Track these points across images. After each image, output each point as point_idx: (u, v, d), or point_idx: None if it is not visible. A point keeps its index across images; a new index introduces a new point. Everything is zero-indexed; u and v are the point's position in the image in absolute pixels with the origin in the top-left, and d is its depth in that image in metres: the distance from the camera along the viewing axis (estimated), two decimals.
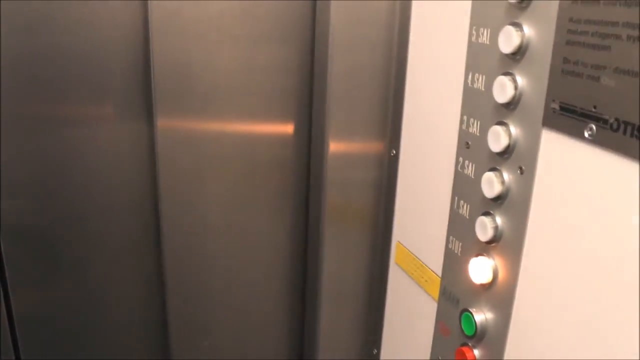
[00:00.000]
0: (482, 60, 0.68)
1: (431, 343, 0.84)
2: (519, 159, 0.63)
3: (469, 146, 0.72)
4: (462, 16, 0.70)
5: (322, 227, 0.97)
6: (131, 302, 1.01)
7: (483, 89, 0.68)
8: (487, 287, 0.70)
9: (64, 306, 0.97)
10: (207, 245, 1.01)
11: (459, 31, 0.72)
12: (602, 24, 0.51)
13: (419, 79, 0.85)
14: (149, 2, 0.84)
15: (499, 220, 0.67)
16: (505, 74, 0.63)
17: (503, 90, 0.63)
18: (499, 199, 0.66)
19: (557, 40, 0.56)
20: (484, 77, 0.68)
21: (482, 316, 0.71)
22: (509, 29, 0.61)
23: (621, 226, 0.51)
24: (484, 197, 0.68)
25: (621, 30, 0.49)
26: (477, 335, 0.71)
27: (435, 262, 0.82)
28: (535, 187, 0.61)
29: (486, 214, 0.68)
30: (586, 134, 0.53)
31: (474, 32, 0.69)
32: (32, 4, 0.81)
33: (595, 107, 0.52)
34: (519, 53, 0.61)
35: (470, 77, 0.70)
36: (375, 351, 1.04)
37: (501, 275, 0.67)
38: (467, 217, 0.73)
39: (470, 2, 0.69)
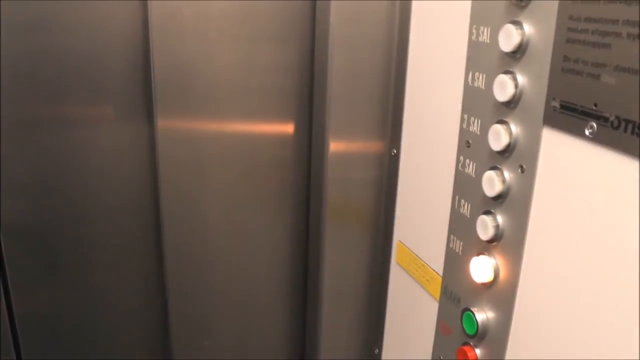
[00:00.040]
0: (483, 59, 0.68)
1: (432, 342, 0.84)
2: (519, 157, 0.63)
3: (470, 145, 0.71)
4: (462, 15, 0.70)
5: (322, 226, 0.97)
6: (132, 302, 1.01)
7: (483, 88, 0.68)
8: (489, 286, 0.70)
9: (64, 306, 0.97)
10: (207, 245, 1.01)
11: (459, 30, 0.72)
12: (602, 22, 0.51)
13: (420, 78, 0.85)
14: (148, 2, 0.84)
15: (499, 219, 0.67)
16: (506, 72, 0.63)
17: (503, 88, 0.63)
18: (499, 198, 0.66)
19: (557, 38, 0.56)
20: (484, 75, 0.68)
21: (483, 315, 0.71)
22: (509, 27, 0.61)
23: (622, 224, 0.51)
24: (484, 196, 0.68)
25: (621, 28, 0.49)
26: (479, 335, 0.71)
27: (436, 261, 0.82)
28: (536, 186, 0.61)
29: (487, 212, 0.68)
30: (587, 132, 0.53)
31: (474, 30, 0.69)
32: (32, 5, 0.81)
33: (595, 105, 0.52)
34: (519, 51, 0.61)
35: (470, 75, 0.70)
36: (376, 351, 1.04)
37: (502, 274, 0.67)
38: (468, 216, 0.73)
39: (470, 1, 0.69)
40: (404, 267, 0.92)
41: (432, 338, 0.84)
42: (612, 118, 0.50)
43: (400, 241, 0.93)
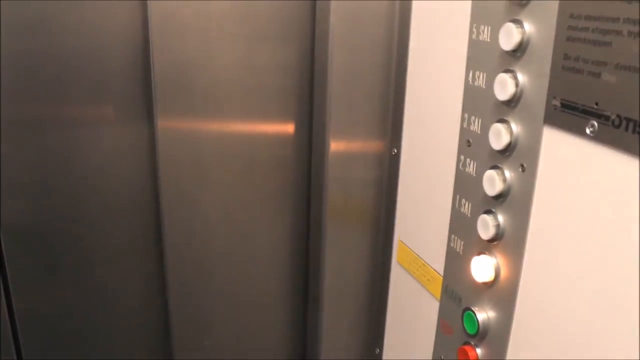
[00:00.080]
0: (483, 58, 0.67)
1: (433, 342, 0.84)
2: (520, 156, 0.63)
3: (470, 144, 0.71)
4: (463, 14, 0.70)
5: (323, 226, 0.97)
6: (132, 302, 1.01)
7: (484, 87, 0.68)
8: (489, 285, 0.69)
9: (65, 306, 0.97)
10: (208, 245, 1.00)
11: (459, 29, 0.71)
12: (603, 20, 0.51)
13: (420, 77, 0.85)
14: (148, 2, 0.84)
15: (500, 218, 0.67)
16: (506, 71, 0.63)
17: (504, 87, 0.63)
18: (500, 197, 0.66)
19: (557, 36, 0.56)
20: (484, 74, 0.67)
21: (484, 315, 0.71)
22: (510, 26, 0.61)
23: (623, 223, 0.51)
24: (485, 195, 0.68)
25: (622, 26, 0.49)
26: (480, 334, 0.71)
27: (437, 260, 0.82)
28: (537, 185, 0.61)
29: (488, 212, 0.68)
30: (588, 131, 0.53)
31: (474, 29, 0.69)
32: (32, 4, 0.81)
33: (596, 104, 0.52)
34: (520, 50, 0.61)
35: (471, 74, 0.70)
36: (377, 350, 1.04)
37: (503, 273, 0.67)
38: (469, 215, 0.73)
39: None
40: (405, 266, 0.92)
41: (433, 338, 0.84)
42: (613, 117, 0.50)
43: (401, 241, 0.93)
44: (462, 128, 0.73)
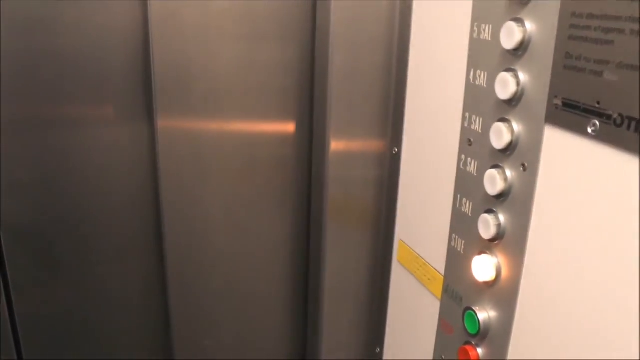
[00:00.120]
0: (484, 57, 0.67)
1: (434, 342, 0.84)
2: (521, 155, 0.63)
3: (471, 143, 0.71)
4: (464, 13, 0.70)
5: (324, 225, 0.97)
6: (133, 301, 1.01)
7: (485, 86, 0.68)
8: (491, 285, 0.69)
9: (65, 306, 0.97)
10: (208, 245, 1.00)
11: (460, 28, 0.71)
12: (605, 19, 0.51)
13: (421, 76, 0.85)
14: (148, 1, 0.84)
15: (501, 217, 0.67)
16: (507, 70, 0.63)
17: (505, 86, 0.62)
18: (501, 197, 0.66)
19: (559, 35, 0.56)
20: (485, 73, 0.67)
21: (485, 314, 0.70)
22: (511, 24, 0.61)
23: (625, 222, 0.51)
24: (486, 195, 0.68)
25: (624, 24, 0.49)
26: (481, 334, 0.71)
27: (437, 260, 0.82)
28: (538, 184, 0.61)
29: (489, 211, 0.68)
30: (589, 130, 0.53)
31: (475, 28, 0.68)
32: (32, 5, 0.81)
33: (598, 103, 0.52)
34: (521, 49, 0.61)
35: (472, 73, 0.70)
36: (377, 350, 1.04)
37: (504, 273, 0.67)
38: (470, 214, 0.73)
39: None
40: (406, 266, 0.92)
41: (434, 337, 0.84)
42: (615, 116, 0.50)
43: (401, 240, 0.93)
44: (463, 127, 0.73)
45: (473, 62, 0.70)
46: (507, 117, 0.64)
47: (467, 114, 0.72)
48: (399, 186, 0.93)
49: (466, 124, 0.72)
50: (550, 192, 0.60)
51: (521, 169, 0.63)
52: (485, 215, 0.68)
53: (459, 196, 0.75)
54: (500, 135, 0.64)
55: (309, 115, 0.97)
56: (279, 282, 1.07)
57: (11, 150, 0.85)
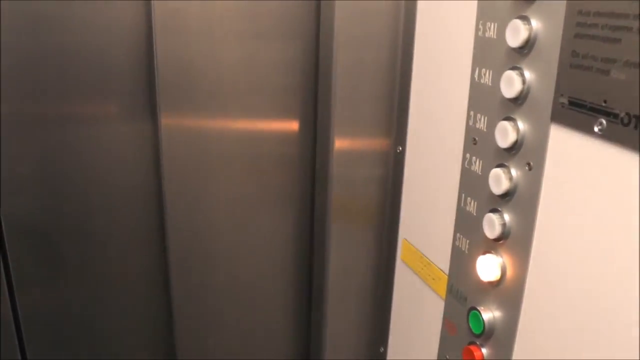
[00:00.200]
0: (489, 55, 0.67)
1: (438, 341, 0.83)
2: (527, 154, 0.62)
3: (476, 142, 0.71)
4: (469, 10, 0.70)
5: (327, 224, 0.97)
6: (136, 300, 1.01)
7: (490, 84, 0.67)
8: (495, 285, 0.69)
9: (69, 305, 0.97)
10: (212, 244, 1.00)
11: (465, 25, 0.71)
12: (612, 16, 0.50)
13: (425, 75, 0.84)
14: (152, 0, 0.84)
15: (506, 217, 0.66)
16: (513, 68, 0.62)
17: (510, 85, 0.62)
18: (506, 196, 0.66)
19: (565, 33, 0.56)
20: (491, 72, 0.67)
21: (490, 314, 0.70)
22: (517, 22, 0.60)
23: (631, 222, 0.50)
24: (491, 194, 0.67)
25: (631, 22, 0.48)
26: (485, 334, 0.70)
27: (442, 259, 0.81)
28: (543, 184, 0.61)
29: (494, 210, 0.68)
30: (596, 129, 0.52)
31: (480, 26, 0.68)
32: (36, 3, 0.81)
33: (605, 102, 0.51)
34: (527, 47, 0.60)
35: (477, 72, 0.69)
36: (381, 349, 1.04)
37: (509, 273, 0.67)
38: (475, 214, 0.72)
39: None
40: (410, 265, 0.92)
41: (438, 337, 0.83)
42: (622, 114, 0.50)
43: (405, 239, 0.93)
44: (467, 126, 0.72)
45: (478, 60, 0.69)
46: (512, 116, 0.64)
47: (472, 113, 0.71)
48: (403, 185, 0.92)
49: (471, 123, 0.71)
50: (556, 191, 0.59)
51: (526, 168, 0.62)
52: (490, 215, 0.67)
53: (463, 195, 0.74)
54: (505, 134, 0.64)
55: (312, 113, 0.97)
56: (283, 281, 1.07)
57: (14, 148, 0.85)
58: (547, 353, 0.62)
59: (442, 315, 0.82)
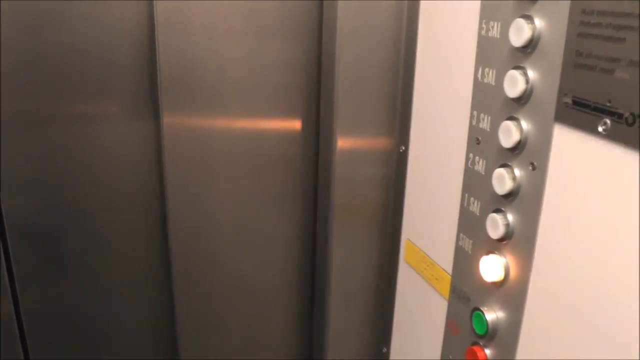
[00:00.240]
0: (493, 54, 0.67)
1: (441, 342, 0.83)
2: (530, 154, 0.62)
3: (480, 142, 0.71)
4: (472, 10, 0.69)
5: (330, 224, 0.96)
6: (139, 300, 1.00)
7: (493, 84, 0.67)
8: (499, 285, 0.69)
9: (71, 305, 0.97)
10: (214, 243, 1.00)
11: (468, 25, 0.71)
12: (616, 16, 0.50)
13: (428, 74, 0.84)
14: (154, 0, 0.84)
15: (510, 217, 0.66)
16: (516, 67, 0.62)
17: (514, 84, 0.62)
18: (510, 196, 0.65)
19: (569, 32, 0.55)
20: (494, 71, 0.67)
21: (493, 315, 0.70)
22: (520, 21, 0.60)
23: (636, 223, 0.50)
24: (494, 194, 0.67)
25: (635, 21, 0.48)
26: (489, 335, 0.70)
27: (445, 259, 0.81)
28: (547, 184, 0.60)
29: (497, 211, 0.67)
30: (600, 129, 0.52)
31: (483, 25, 0.68)
32: (37, 2, 0.80)
33: (609, 101, 0.51)
34: (530, 46, 0.60)
35: (480, 71, 0.69)
36: (384, 349, 1.04)
37: (513, 273, 0.66)
38: (478, 214, 0.72)
39: None
40: (413, 265, 0.91)
41: (441, 337, 0.83)
42: (626, 114, 0.49)
43: (408, 239, 0.93)
44: (471, 125, 0.72)
45: (481, 60, 0.69)
46: (515, 116, 0.63)
47: (475, 112, 0.71)
48: (406, 185, 0.92)
49: (474, 122, 0.71)
50: (560, 191, 0.59)
51: (530, 168, 0.62)
52: (494, 215, 0.67)
53: (466, 195, 0.74)
54: (508, 134, 0.63)
55: (315, 113, 0.97)
56: (285, 281, 1.07)
57: (17, 147, 0.85)
58: (550, 354, 0.62)
59: (445, 316, 0.82)
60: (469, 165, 0.73)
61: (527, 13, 0.60)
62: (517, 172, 0.64)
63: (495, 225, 0.67)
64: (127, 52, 0.87)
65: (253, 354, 1.09)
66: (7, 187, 0.86)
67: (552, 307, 0.61)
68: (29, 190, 0.89)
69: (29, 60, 0.83)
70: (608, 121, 0.51)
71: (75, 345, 0.99)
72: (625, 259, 0.51)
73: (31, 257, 0.91)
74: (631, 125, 0.49)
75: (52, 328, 0.96)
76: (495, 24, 0.66)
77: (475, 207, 0.72)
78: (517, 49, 0.62)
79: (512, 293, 0.67)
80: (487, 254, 0.70)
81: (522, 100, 0.62)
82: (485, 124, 0.69)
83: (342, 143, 0.92)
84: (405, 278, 0.95)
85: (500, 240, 0.67)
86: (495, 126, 0.67)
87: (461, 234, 0.76)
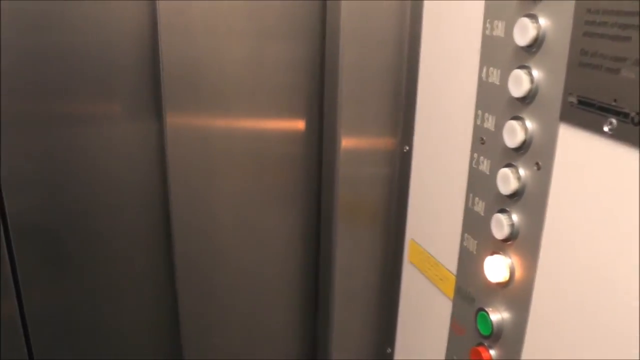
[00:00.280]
0: (497, 54, 0.66)
1: (446, 342, 0.83)
2: (535, 154, 0.62)
3: (484, 142, 0.70)
4: (476, 9, 0.69)
5: (334, 224, 0.96)
6: (142, 300, 1.01)
7: (498, 83, 0.67)
8: (504, 286, 0.68)
9: (75, 305, 0.97)
10: (217, 244, 1.00)
11: (472, 24, 0.70)
12: (622, 14, 0.50)
13: (432, 74, 0.84)
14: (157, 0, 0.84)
15: (515, 217, 0.66)
16: (521, 67, 0.62)
17: (519, 84, 0.61)
18: (515, 196, 0.65)
19: (574, 31, 0.55)
20: (498, 71, 0.66)
21: (498, 316, 0.69)
22: (525, 20, 0.60)
23: None
24: (499, 194, 0.67)
25: None
26: (494, 335, 0.70)
27: (449, 260, 0.81)
28: (552, 184, 0.60)
29: (502, 211, 0.67)
30: (606, 129, 0.52)
31: (488, 24, 0.67)
32: (40, 2, 0.80)
33: (615, 101, 0.51)
34: (535, 45, 0.60)
35: (484, 71, 0.69)
36: (389, 350, 1.03)
37: (518, 273, 0.66)
38: (482, 214, 0.72)
39: None
40: (417, 265, 0.91)
41: (446, 338, 0.83)
42: (632, 114, 0.49)
43: (412, 239, 0.92)
44: (475, 125, 0.72)
45: (485, 59, 0.69)
46: (520, 115, 0.63)
47: (479, 112, 0.71)
48: (410, 185, 0.92)
49: (478, 122, 0.71)
50: (565, 191, 0.59)
51: (535, 168, 0.62)
52: (498, 215, 0.67)
53: (471, 195, 0.74)
54: (513, 134, 0.63)
55: (318, 113, 0.96)
56: (289, 281, 1.07)
57: (21, 148, 0.85)
58: (556, 354, 0.62)
59: (449, 316, 0.81)
60: (474, 165, 0.73)
61: (531, 12, 0.60)
62: (522, 172, 0.64)
63: (500, 226, 0.66)
64: (129, 52, 0.87)
65: (256, 354, 1.09)
66: (10, 188, 0.86)
67: (557, 308, 0.61)
68: (33, 190, 0.89)
69: (32, 61, 0.83)
70: (614, 121, 0.51)
71: (78, 345, 0.99)
72: (631, 260, 0.51)
73: (35, 257, 0.91)
74: (637, 124, 0.48)
75: (56, 328, 0.96)
76: (500, 23, 0.65)
77: (479, 207, 0.72)
78: (522, 48, 0.61)
79: (517, 294, 0.66)
80: (492, 254, 0.69)
81: (527, 99, 0.62)
82: (489, 124, 0.69)
83: (346, 143, 0.92)
84: (409, 278, 0.95)
85: (505, 240, 0.67)
86: (499, 126, 0.66)
87: (466, 234, 0.76)
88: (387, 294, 1.01)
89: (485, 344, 0.72)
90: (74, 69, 0.85)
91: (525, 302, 0.65)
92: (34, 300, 0.92)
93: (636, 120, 0.48)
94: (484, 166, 0.71)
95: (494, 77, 0.67)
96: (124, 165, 0.92)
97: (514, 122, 0.63)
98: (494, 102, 0.68)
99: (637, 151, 0.49)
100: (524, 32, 0.60)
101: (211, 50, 0.88)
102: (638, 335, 0.51)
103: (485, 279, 0.70)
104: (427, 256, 0.88)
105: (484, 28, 0.68)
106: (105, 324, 0.99)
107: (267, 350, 1.10)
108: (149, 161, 0.92)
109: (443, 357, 0.84)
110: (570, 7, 0.55)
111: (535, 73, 0.60)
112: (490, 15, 0.67)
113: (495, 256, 0.68)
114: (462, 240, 0.77)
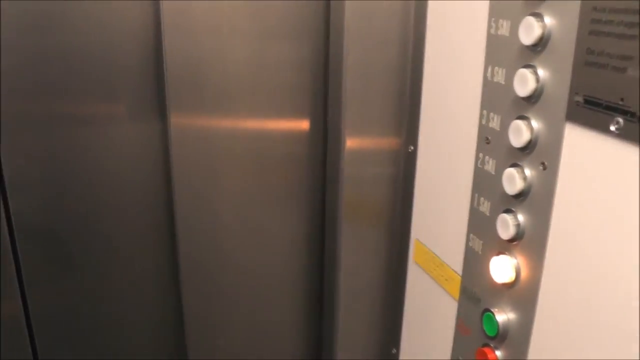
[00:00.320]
0: (502, 53, 0.66)
1: (451, 343, 0.82)
2: (541, 154, 0.61)
3: (489, 141, 0.70)
4: (481, 8, 0.69)
5: (338, 224, 0.96)
6: (146, 301, 1.01)
7: (503, 83, 0.66)
8: (509, 286, 0.68)
9: (79, 305, 0.97)
10: (222, 244, 1.00)
11: (477, 23, 0.70)
12: (628, 13, 0.49)
13: (437, 73, 0.83)
14: (160, 0, 0.83)
15: (520, 217, 0.65)
16: (526, 66, 0.61)
17: (524, 83, 0.61)
18: (520, 196, 0.65)
19: (580, 30, 0.55)
20: (504, 70, 0.66)
21: (504, 316, 0.69)
22: (530, 19, 0.59)
23: None
24: (505, 194, 0.66)
25: None
26: (500, 336, 0.70)
27: (455, 260, 0.81)
28: (558, 183, 0.60)
29: (508, 211, 0.67)
30: (612, 128, 0.51)
31: (493, 23, 0.67)
32: (43, 3, 0.80)
33: (622, 100, 0.50)
34: (541, 44, 0.59)
35: (489, 70, 0.68)
36: (394, 350, 1.03)
37: (524, 274, 0.66)
38: (488, 214, 0.71)
39: None
40: (422, 266, 0.91)
41: (451, 338, 0.82)
42: (639, 113, 0.48)
43: (417, 239, 0.92)
44: (480, 125, 0.71)
45: (491, 59, 0.68)
46: (526, 115, 0.63)
47: (484, 112, 0.70)
48: (414, 185, 0.92)
49: (484, 122, 0.71)
50: (571, 191, 0.58)
51: (541, 167, 0.62)
52: (504, 215, 0.67)
53: (476, 195, 0.74)
54: (519, 133, 0.63)
55: (322, 113, 0.96)
56: (294, 282, 1.06)
57: (23, 148, 0.85)
58: (562, 355, 0.61)
59: (455, 317, 0.81)
60: (479, 165, 0.72)
61: (536, 11, 0.59)
62: (528, 172, 0.63)
63: (506, 226, 0.66)
64: (132, 52, 0.87)
65: (261, 354, 1.09)
66: (15, 188, 0.86)
67: (564, 309, 0.61)
68: (37, 191, 0.89)
69: (36, 61, 0.83)
70: (620, 120, 0.51)
71: (83, 345, 0.99)
72: (638, 260, 0.51)
73: (39, 257, 0.91)
74: None
75: (61, 328, 0.96)
76: (505, 22, 0.65)
77: (485, 207, 0.72)
78: (527, 47, 0.61)
79: (523, 294, 0.66)
80: (498, 254, 0.69)
81: (533, 99, 0.61)
82: (495, 124, 0.68)
83: (351, 143, 0.91)
84: (415, 278, 0.94)
85: (511, 240, 0.67)
86: (505, 125, 0.66)
87: (471, 235, 0.76)
88: (392, 294, 1.01)
89: (491, 344, 0.72)
90: (78, 69, 0.85)
91: (531, 302, 0.65)
92: (38, 300, 0.92)
93: None
94: (490, 166, 0.70)
95: (499, 76, 0.67)
96: (128, 166, 0.92)
97: (519, 122, 0.63)
98: (499, 102, 0.67)
99: None
100: (530, 31, 0.59)
101: (215, 50, 0.88)
102: None
103: (491, 279, 0.70)
104: (432, 256, 0.87)
105: (489, 27, 0.68)
106: (109, 324, 0.99)
107: (271, 350, 1.10)
108: (153, 161, 0.92)
109: (448, 358, 0.84)
110: (576, 5, 0.55)
111: (541, 72, 0.60)
112: (495, 14, 0.67)
113: (501, 256, 0.68)
114: (468, 240, 0.76)
